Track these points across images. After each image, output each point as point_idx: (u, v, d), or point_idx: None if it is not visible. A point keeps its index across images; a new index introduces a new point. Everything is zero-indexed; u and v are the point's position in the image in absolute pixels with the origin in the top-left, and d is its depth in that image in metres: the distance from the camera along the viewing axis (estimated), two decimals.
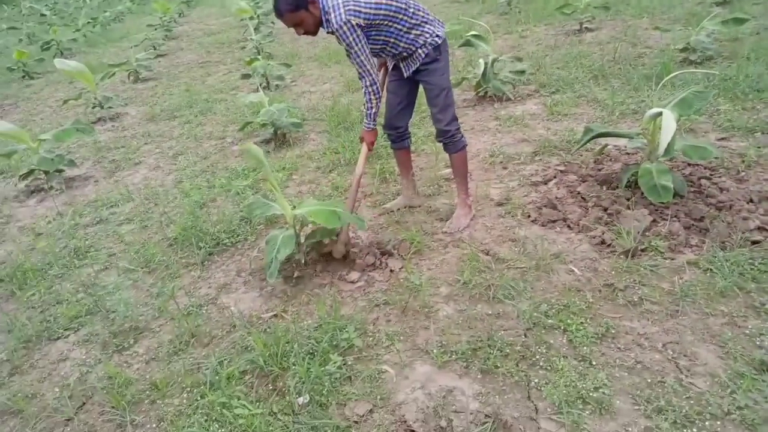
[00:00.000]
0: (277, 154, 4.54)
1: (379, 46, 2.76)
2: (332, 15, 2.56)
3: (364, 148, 2.96)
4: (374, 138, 2.97)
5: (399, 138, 3.18)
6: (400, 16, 2.70)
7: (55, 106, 7.41)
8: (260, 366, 2.25)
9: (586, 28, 6.85)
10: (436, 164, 3.88)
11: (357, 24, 2.57)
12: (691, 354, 2.05)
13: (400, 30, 2.72)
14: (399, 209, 3.34)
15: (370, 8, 2.61)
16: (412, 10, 2.73)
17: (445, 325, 2.37)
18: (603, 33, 6.57)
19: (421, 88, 2.99)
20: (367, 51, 2.67)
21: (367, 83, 2.75)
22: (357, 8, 2.58)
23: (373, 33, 2.68)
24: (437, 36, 2.79)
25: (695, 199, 2.97)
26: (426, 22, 2.77)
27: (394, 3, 2.68)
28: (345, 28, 2.56)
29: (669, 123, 2.55)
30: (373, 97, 2.79)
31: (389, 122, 3.13)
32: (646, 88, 4.57)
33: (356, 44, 2.62)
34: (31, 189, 4.58)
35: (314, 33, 2.70)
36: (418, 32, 2.75)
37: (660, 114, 2.74)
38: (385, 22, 2.67)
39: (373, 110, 2.84)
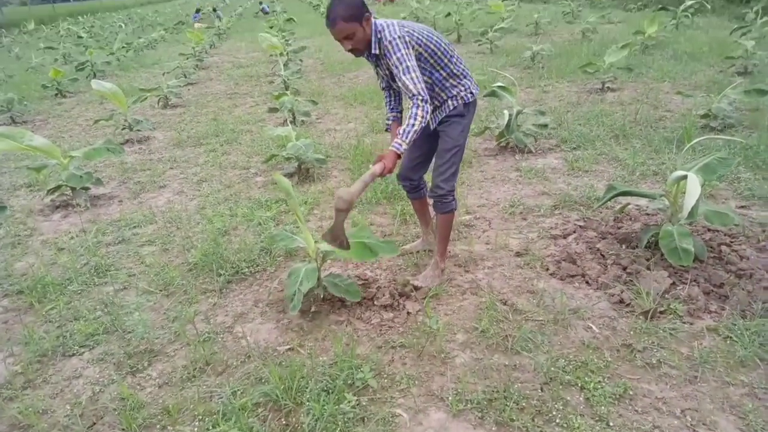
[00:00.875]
0: (300, 188, 4.61)
1: None
2: (385, 31, 2.54)
3: (376, 168, 2.50)
4: (395, 164, 2.57)
5: (414, 189, 3.16)
6: (445, 61, 2.71)
7: (84, 125, 7.62)
8: (274, 399, 2.24)
9: (608, 87, 7.00)
10: (457, 210, 3.91)
11: (407, 42, 2.54)
12: (710, 423, 2.03)
13: (440, 77, 2.73)
14: (418, 251, 3.37)
15: (422, 36, 2.62)
16: (455, 59, 2.76)
17: (461, 373, 2.36)
18: (625, 94, 6.70)
19: None
20: (417, 68, 2.53)
21: (419, 101, 2.49)
22: (410, 30, 2.59)
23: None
24: (471, 93, 2.81)
25: (715, 264, 2.98)
26: (465, 76, 2.80)
27: (443, 44, 2.70)
28: (398, 41, 2.52)
29: (694, 186, 2.59)
30: (423, 114, 2.49)
31: (404, 174, 3.09)
32: (667, 150, 4.63)
33: (408, 59, 2.52)
34: (56, 204, 4.67)
35: (361, 51, 2.63)
36: (455, 83, 2.77)
37: (684, 177, 2.78)
38: (430, 61, 2.67)
39: (415, 129, 2.50)
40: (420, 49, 2.62)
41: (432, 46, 2.66)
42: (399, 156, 2.56)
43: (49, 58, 15.20)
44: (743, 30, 8.49)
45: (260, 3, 30.13)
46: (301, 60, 10.90)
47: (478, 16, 15.34)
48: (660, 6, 13.30)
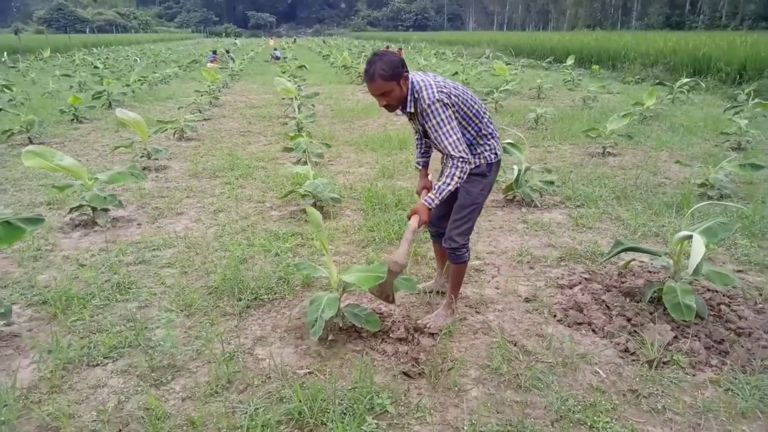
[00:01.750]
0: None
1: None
2: (424, 92, 2.62)
3: (413, 223, 2.75)
4: (429, 216, 2.81)
5: (439, 235, 3.22)
6: (476, 121, 2.78)
7: (100, 150, 7.81)
8: (296, 418, 2.33)
9: (608, 152, 7.32)
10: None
11: (447, 104, 2.62)
12: None
13: (469, 137, 2.79)
14: (431, 291, 3.50)
15: (459, 98, 2.70)
16: (486, 119, 2.83)
17: (475, 406, 2.46)
18: (625, 159, 7.01)
19: None
20: (458, 130, 2.65)
21: (459, 162, 2.62)
22: (447, 91, 2.67)
23: None
24: (495, 154, 2.87)
25: (715, 322, 3.13)
26: (492, 137, 2.86)
27: (477, 105, 2.78)
28: (438, 105, 2.60)
29: (698, 246, 2.78)
30: (461, 175, 2.65)
31: (432, 220, 3.09)
32: (667, 214, 4.87)
33: (448, 122, 2.61)
34: (76, 222, 4.80)
35: (394, 108, 2.73)
36: (482, 142, 2.83)
37: (688, 237, 2.97)
38: (462, 123, 2.74)
39: (449, 189, 2.68)
40: (455, 109, 2.70)
41: (465, 108, 2.73)
42: (430, 210, 2.76)
43: (65, 84, 15.58)
44: (735, 109, 8.95)
45: (274, 50, 31.18)
46: (313, 105, 11.28)
47: (483, 77, 15.98)
48: (657, 81, 13.96)
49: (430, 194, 2.68)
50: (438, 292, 3.50)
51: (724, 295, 3.46)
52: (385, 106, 2.73)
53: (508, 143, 5.25)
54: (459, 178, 2.65)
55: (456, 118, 2.71)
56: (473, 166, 2.82)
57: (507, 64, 15.96)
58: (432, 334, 3.02)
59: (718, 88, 13.99)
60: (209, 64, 22.19)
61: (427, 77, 2.73)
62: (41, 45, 31.73)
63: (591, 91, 11.89)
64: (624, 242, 3.39)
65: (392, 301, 2.80)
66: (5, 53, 25.51)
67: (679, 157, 6.97)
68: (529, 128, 9.10)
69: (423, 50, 31.35)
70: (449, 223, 2.96)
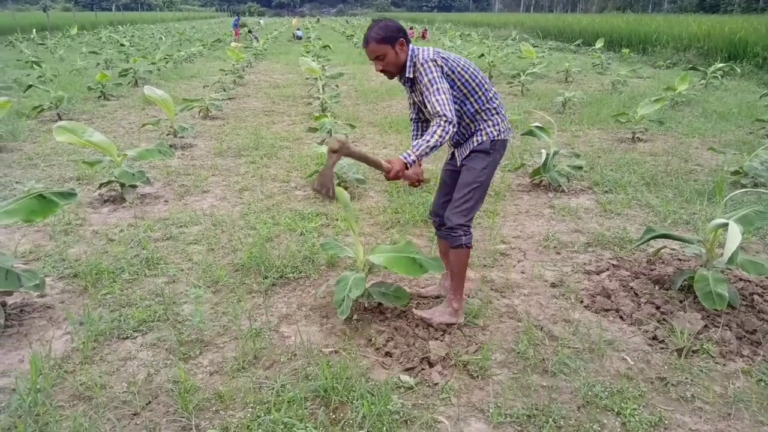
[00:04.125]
0: (338, 204, 4.77)
1: None
2: (420, 54, 2.60)
3: (383, 162, 2.55)
4: (403, 174, 2.56)
5: (441, 225, 2.95)
6: (479, 94, 2.68)
7: (128, 127, 7.90)
8: (322, 395, 2.35)
9: (638, 138, 7.16)
10: (491, 238, 4.06)
11: (439, 65, 2.57)
12: None
13: (471, 109, 2.70)
14: (436, 297, 3.24)
15: (457, 65, 2.63)
16: (490, 94, 2.73)
17: (500, 389, 2.45)
18: (656, 145, 6.86)
19: None
20: (448, 90, 2.54)
21: (442, 121, 2.48)
22: (445, 57, 2.62)
23: None
24: (500, 131, 2.74)
25: (747, 312, 3.06)
26: (497, 113, 2.74)
27: (479, 77, 2.69)
28: (430, 63, 2.56)
29: (735, 234, 2.70)
30: (442, 134, 2.48)
31: (434, 209, 3.07)
32: (698, 202, 4.75)
33: (440, 81, 2.53)
34: (105, 198, 4.87)
35: (393, 74, 2.68)
36: (485, 117, 2.72)
37: (724, 225, 2.90)
38: (463, 90, 2.65)
39: (429, 146, 2.48)
40: (453, 77, 2.62)
41: (466, 76, 2.65)
42: (407, 166, 2.52)
43: (92, 62, 15.76)
44: None
45: (297, 29, 31.05)
46: (336, 85, 11.23)
47: (510, 59, 15.71)
48: (690, 66, 13.57)
49: (408, 150, 2.51)
50: (438, 297, 3.26)
51: (757, 285, 3.38)
52: (382, 71, 2.68)
53: (536, 126, 5.17)
54: (440, 137, 2.48)
55: (456, 86, 2.64)
56: (477, 143, 2.72)
57: (534, 47, 15.64)
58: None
59: (753, 73, 13.55)
60: (233, 44, 22.22)
61: (429, 48, 2.67)
62: (68, 22, 32.09)
63: (620, 76, 11.62)
64: (656, 229, 3.32)
65: (333, 196, 2.51)
66: (34, 30, 25.85)
67: (712, 143, 6.80)
68: (557, 112, 8.94)
69: (448, 31, 30.89)
70: (451, 201, 2.81)
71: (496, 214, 4.53)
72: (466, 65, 2.68)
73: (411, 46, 2.66)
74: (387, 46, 2.59)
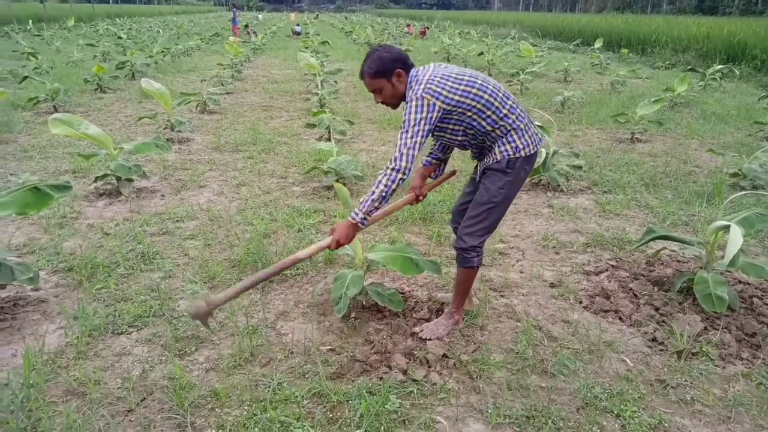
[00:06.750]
0: (336, 201, 4.74)
1: (459, 137, 2.58)
2: (414, 86, 2.41)
3: (323, 242, 2.49)
4: (351, 239, 2.47)
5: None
6: (488, 113, 2.47)
7: (124, 120, 7.84)
8: (319, 394, 2.32)
9: (637, 138, 7.15)
10: (492, 237, 4.03)
11: (430, 104, 2.35)
12: None
13: (481, 127, 2.50)
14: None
15: (455, 94, 2.40)
16: (505, 110, 2.49)
17: (499, 390, 2.43)
18: (655, 146, 6.85)
19: None
20: (421, 138, 2.35)
21: (389, 169, 2.35)
22: (438, 90, 2.38)
23: (454, 120, 2.48)
24: (518, 149, 2.52)
25: (746, 315, 3.05)
26: (513, 130, 2.51)
27: (488, 91, 2.46)
28: (415, 101, 2.36)
29: (736, 236, 2.69)
30: (387, 183, 2.35)
31: (454, 213, 2.96)
32: (697, 203, 4.74)
33: (416, 124, 2.34)
34: (100, 191, 4.83)
35: (393, 105, 2.58)
36: (500, 134, 2.52)
37: (725, 228, 2.88)
38: (468, 114, 2.46)
39: (373, 198, 2.38)
40: (450, 108, 2.42)
41: (468, 100, 2.42)
42: (357, 227, 2.44)
43: (89, 54, 15.65)
44: None
45: (296, 25, 30.94)
46: (335, 81, 11.17)
47: (509, 58, 15.69)
48: (688, 67, 13.57)
49: (356, 208, 2.41)
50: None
51: (756, 288, 3.37)
52: (382, 103, 2.58)
53: (537, 125, 5.13)
54: (385, 185, 2.36)
55: (456, 113, 2.45)
56: (492, 161, 2.55)
57: (533, 46, 15.61)
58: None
59: (752, 75, 13.56)
60: (231, 38, 22.12)
61: (433, 70, 2.47)
62: (65, 14, 31.87)
63: (620, 76, 11.61)
64: (656, 230, 3.31)
65: (208, 325, 2.39)
66: (30, 21, 25.65)
67: (711, 145, 6.79)
68: (556, 111, 8.92)
69: (447, 29, 30.82)
70: (463, 220, 2.68)
71: None
72: (471, 84, 2.43)
73: (412, 72, 2.49)
74: (382, 80, 2.46)
